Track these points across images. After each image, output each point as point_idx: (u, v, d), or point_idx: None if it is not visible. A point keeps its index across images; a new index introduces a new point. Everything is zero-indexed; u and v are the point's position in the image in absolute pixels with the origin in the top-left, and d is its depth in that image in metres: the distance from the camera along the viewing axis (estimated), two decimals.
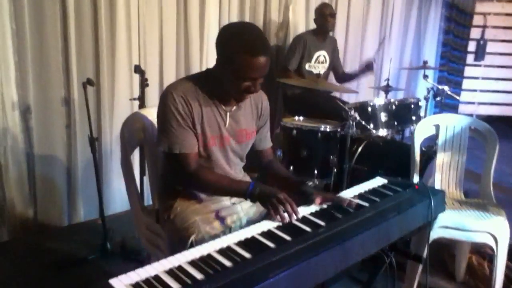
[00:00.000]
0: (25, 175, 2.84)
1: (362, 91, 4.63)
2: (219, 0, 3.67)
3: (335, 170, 3.02)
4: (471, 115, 5.12)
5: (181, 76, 2.71)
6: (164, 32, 3.37)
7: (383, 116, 3.07)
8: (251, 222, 1.66)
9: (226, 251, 1.23)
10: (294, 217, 1.46)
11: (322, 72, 3.85)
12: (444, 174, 2.60)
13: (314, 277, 1.23)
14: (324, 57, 3.88)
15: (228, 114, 1.74)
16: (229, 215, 1.73)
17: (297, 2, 4.26)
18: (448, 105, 5.93)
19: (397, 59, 5.62)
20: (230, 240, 1.30)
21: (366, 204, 1.58)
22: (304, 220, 1.46)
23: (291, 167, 3.07)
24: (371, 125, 2.97)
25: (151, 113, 1.99)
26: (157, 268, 1.13)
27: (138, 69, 2.77)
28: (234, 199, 1.82)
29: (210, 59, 3.59)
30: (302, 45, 3.74)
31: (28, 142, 2.82)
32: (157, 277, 1.09)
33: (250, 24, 1.77)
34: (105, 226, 2.69)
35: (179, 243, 1.58)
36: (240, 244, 1.28)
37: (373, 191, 1.74)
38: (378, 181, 1.85)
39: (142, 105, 2.79)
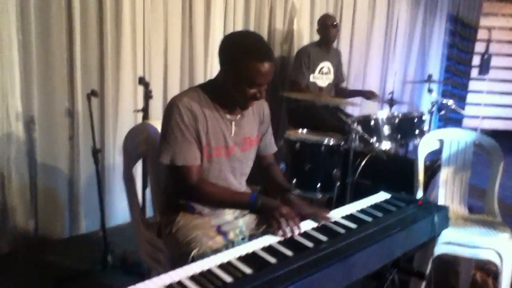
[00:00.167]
0: (27, 185, 2.84)
1: (366, 104, 4.62)
2: (224, 12, 3.69)
3: (338, 183, 3.00)
4: (475, 129, 5.11)
5: (185, 89, 2.72)
6: (169, 44, 3.39)
7: (386, 130, 3.07)
8: (253, 236, 1.65)
9: (227, 266, 1.22)
10: (296, 232, 1.45)
11: (326, 83, 3.84)
12: (448, 190, 2.58)
13: None
14: (328, 68, 3.86)
15: (233, 123, 1.75)
16: (231, 229, 1.72)
17: (302, 15, 4.29)
18: (452, 119, 5.91)
19: (402, 72, 5.62)
20: (231, 255, 1.29)
21: (369, 219, 1.57)
22: (306, 235, 1.45)
23: (294, 180, 3.05)
24: (374, 138, 2.96)
25: (156, 125, 1.99)
26: (157, 283, 1.12)
27: (142, 81, 2.78)
28: (237, 213, 1.81)
29: (214, 72, 3.56)
30: (306, 57, 3.74)
31: (31, 153, 2.82)
32: None
33: (252, 32, 1.79)
34: (106, 239, 2.68)
35: (181, 258, 1.57)
36: (241, 259, 1.27)
37: (376, 206, 1.73)
38: (381, 196, 1.84)
39: (146, 117, 2.79)
